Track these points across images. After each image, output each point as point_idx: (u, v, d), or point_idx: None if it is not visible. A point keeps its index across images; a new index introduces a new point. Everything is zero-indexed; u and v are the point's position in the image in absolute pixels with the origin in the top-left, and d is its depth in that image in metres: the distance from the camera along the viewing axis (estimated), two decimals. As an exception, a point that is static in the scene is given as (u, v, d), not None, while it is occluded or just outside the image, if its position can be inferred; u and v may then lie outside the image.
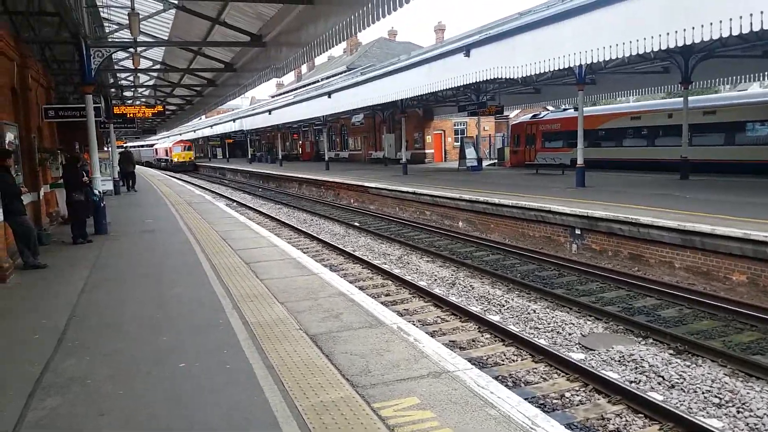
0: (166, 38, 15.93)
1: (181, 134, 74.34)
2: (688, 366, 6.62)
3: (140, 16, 11.30)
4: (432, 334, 7.58)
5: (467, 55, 16.58)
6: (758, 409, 5.48)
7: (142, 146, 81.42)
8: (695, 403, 5.77)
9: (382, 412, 3.83)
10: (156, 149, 72.94)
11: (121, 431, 3.82)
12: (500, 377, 6.45)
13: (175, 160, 59.34)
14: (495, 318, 8.65)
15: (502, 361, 7.14)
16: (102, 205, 12.51)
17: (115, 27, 14.27)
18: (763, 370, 6.40)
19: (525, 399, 4.18)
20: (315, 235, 16.49)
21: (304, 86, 51.44)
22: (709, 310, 8.66)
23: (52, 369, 4.94)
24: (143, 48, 15.32)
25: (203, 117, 55.68)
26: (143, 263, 9.54)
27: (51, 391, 4.48)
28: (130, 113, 18.92)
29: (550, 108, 36.33)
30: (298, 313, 6.22)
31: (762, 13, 8.48)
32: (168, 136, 76.95)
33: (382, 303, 7.06)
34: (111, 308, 6.80)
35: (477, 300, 9.82)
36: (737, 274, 9.60)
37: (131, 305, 6.89)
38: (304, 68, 69.14)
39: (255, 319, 6.08)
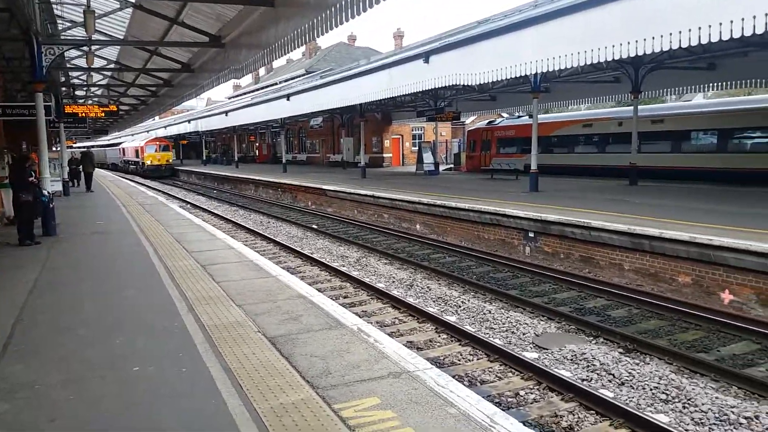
0: (122, 37, 15.54)
1: (148, 131, 63.16)
2: (637, 364, 6.85)
3: (96, 14, 11.01)
4: (390, 335, 7.62)
5: (426, 61, 16.74)
6: (703, 404, 5.73)
7: (107, 146, 70.95)
8: (644, 399, 5.98)
9: (343, 413, 3.84)
10: (123, 149, 58.85)
11: (73, 437, 3.73)
12: (457, 376, 6.54)
13: (148, 162, 47.06)
14: (452, 318, 8.77)
15: (459, 360, 7.25)
16: (51, 205, 12.12)
17: (69, 24, 13.84)
18: (707, 367, 6.69)
19: (482, 398, 4.26)
20: (272, 237, 16.36)
21: (262, 88, 50.90)
22: (657, 310, 8.99)
23: (-3, 374, 4.77)
24: (98, 47, 14.91)
25: (157, 117, 54.45)
26: (94, 266, 9.29)
27: (-3, 396, 4.33)
28: (81, 112, 18.38)
29: (505, 115, 37.03)
30: (257, 316, 6.17)
31: (710, 27, 8.87)
32: (136, 133, 65.02)
33: (341, 305, 7.05)
34: (61, 312, 6.59)
35: (434, 301, 9.93)
36: (683, 275, 9.99)
37: (82, 308, 6.70)
38: (262, 71, 68.52)
39: (212, 321, 6.01)
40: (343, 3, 8.27)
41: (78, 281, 8.21)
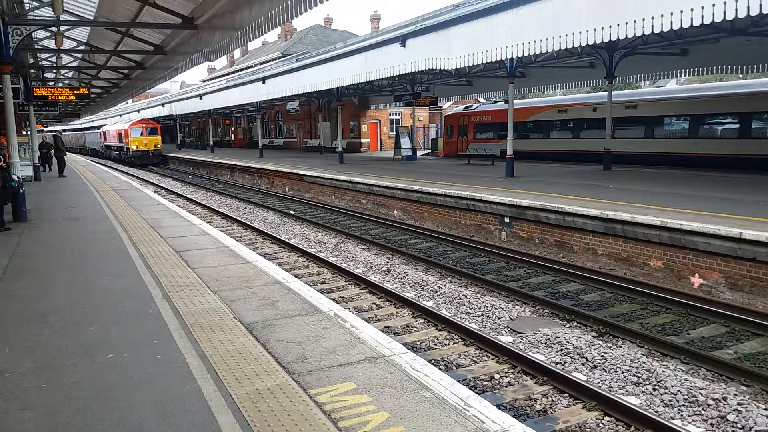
0: (92, 18, 15.15)
1: (122, 114, 59.88)
2: (609, 347, 7.00)
3: (63, -7, 10.73)
4: (368, 321, 7.65)
5: (403, 45, 16.68)
6: (672, 386, 5.87)
7: (86, 130, 65.20)
8: (615, 382, 6.12)
9: (319, 398, 3.86)
10: (104, 133, 52.43)
11: (44, 426, 3.68)
12: (433, 361, 6.60)
13: (134, 148, 41.49)
14: (428, 303, 8.84)
15: (435, 345, 7.32)
16: (21, 191, 11.86)
17: (36, 4, 13.44)
18: (677, 350, 6.85)
19: (457, 381, 4.31)
20: (249, 223, 16.25)
21: (237, 71, 50.27)
22: (629, 294, 9.16)
23: (-33, 363, 4.69)
24: (67, 27, 14.51)
25: (130, 101, 53.39)
26: (67, 252, 9.13)
27: (-33, 385, 4.26)
28: (51, 95, 17.94)
29: (482, 100, 37.10)
30: (233, 302, 6.15)
31: (681, 12, 8.97)
32: (113, 116, 60.78)
33: (318, 291, 7.05)
34: (32, 299, 6.48)
35: (411, 286, 9.99)
36: (654, 259, 10.18)
37: (54, 295, 6.60)
38: (236, 53, 67.63)
39: (186, 308, 5.96)
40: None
41: (50, 268, 8.07)
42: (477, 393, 5.52)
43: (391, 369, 4.31)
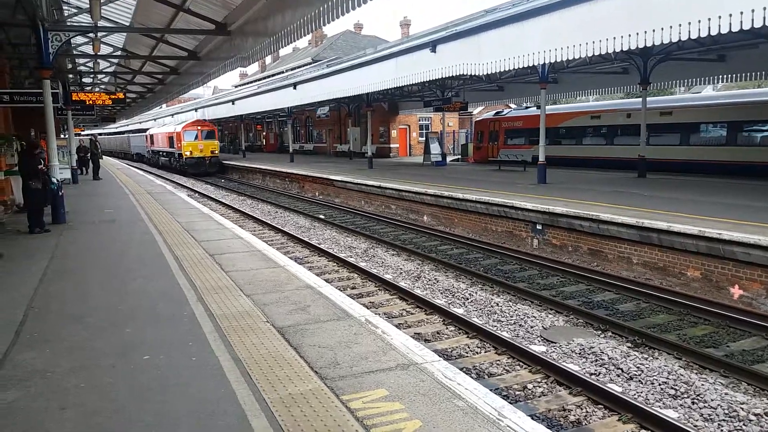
0: (128, 24, 15.49)
1: (156, 119, 56.12)
2: (646, 358, 6.84)
3: (102, 0, 10.97)
4: (398, 327, 7.62)
5: (433, 50, 16.65)
6: (712, 400, 5.71)
7: (130, 133, 60.15)
8: (652, 394, 5.97)
9: (351, 404, 3.85)
10: (150, 137, 46.51)
11: (82, 425, 3.74)
12: (464, 369, 6.54)
13: (187, 153, 35.41)
14: (459, 311, 8.76)
15: (466, 353, 7.25)
16: (60, 193, 12.16)
17: (75, 11, 13.80)
18: (716, 363, 6.66)
19: (489, 390, 4.26)
20: (280, 227, 16.38)
21: (269, 77, 50.82)
22: (665, 305, 8.95)
23: (9, 362, 4.81)
24: (104, 33, 14.87)
25: (164, 106, 54.42)
26: (104, 254, 9.33)
27: (9, 384, 4.36)
28: (89, 100, 18.37)
29: (513, 105, 36.82)
30: (265, 306, 6.19)
31: (720, 18, 8.76)
32: (167, 115, 54.83)
33: (348, 296, 7.05)
34: (71, 300, 6.63)
35: (441, 293, 9.93)
36: (692, 269, 9.94)
37: (92, 297, 6.74)
38: (268, 59, 68.36)
39: (220, 311, 6.03)
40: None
41: (87, 269, 8.25)
42: (510, 403, 5.46)
43: (423, 377, 4.27)
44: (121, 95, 19.09)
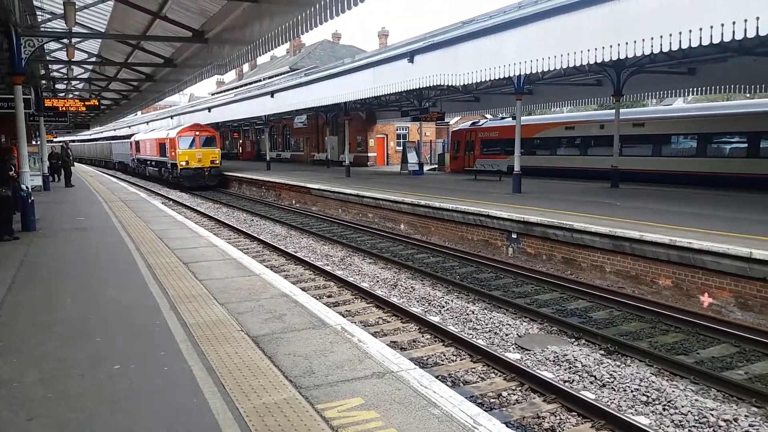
0: (104, 30, 15.32)
1: (130, 126, 52.54)
2: (618, 366, 6.92)
3: (76, 6, 10.84)
4: (374, 335, 7.61)
5: (411, 61, 16.78)
6: (683, 406, 5.79)
7: (113, 139, 55.70)
8: (624, 401, 6.04)
9: (327, 413, 3.83)
10: (136, 143, 41.30)
11: (51, 437, 3.66)
12: (440, 377, 6.55)
13: (183, 163, 30.20)
14: (435, 319, 8.79)
15: (442, 361, 7.27)
16: (30, 200, 11.92)
17: (49, 16, 13.60)
18: (687, 370, 6.78)
19: (465, 398, 4.27)
20: (255, 235, 16.26)
21: (246, 85, 50.62)
22: (637, 312, 9.08)
23: (-25, 372, 4.68)
24: (79, 39, 14.67)
25: (139, 113, 53.78)
26: (75, 262, 9.15)
27: (-26, 395, 4.25)
28: (62, 106, 18.12)
29: (489, 116, 37.20)
30: (240, 315, 6.13)
31: (690, 32, 8.99)
32: (155, 119, 50.65)
33: (325, 304, 7.03)
34: (40, 309, 6.49)
35: (418, 301, 9.94)
36: (663, 278, 10.11)
37: (62, 306, 6.60)
38: (245, 67, 68.13)
39: (194, 320, 5.95)
40: (328, 0, 8.24)
41: (58, 278, 8.08)
42: (485, 410, 5.48)
43: (399, 385, 4.27)
44: (95, 102, 18.92)
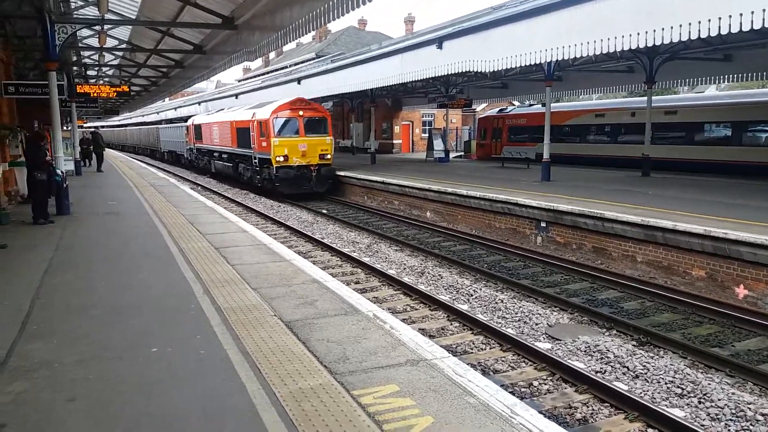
0: (134, 17, 15.45)
1: (158, 112, 49.11)
2: (651, 357, 6.82)
3: (109, -7, 10.97)
4: (402, 322, 7.62)
5: (440, 47, 16.60)
6: (719, 399, 5.69)
7: (161, 123, 47.82)
8: (658, 393, 5.96)
9: (362, 399, 3.84)
10: (196, 127, 31.45)
11: (91, 418, 3.73)
12: (470, 365, 6.50)
13: (280, 159, 20.58)
14: (464, 307, 8.76)
15: (471, 349, 7.25)
16: (65, 185, 12.16)
17: (81, 3, 13.76)
18: (722, 362, 6.65)
19: (500, 388, 4.24)
20: (283, 221, 16.36)
21: (272, 71, 50.74)
22: (670, 303, 8.95)
23: (16, 353, 4.79)
24: (110, 26, 14.83)
25: (167, 99, 54.30)
26: (108, 246, 9.31)
27: (16, 375, 4.35)
28: (93, 92, 18.38)
29: (516, 103, 36.74)
30: (272, 300, 6.17)
31: (730, 17, 8.71)
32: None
33: (355, 291, 7.04)
34: (77, 291, 6.62)
35: (446, 289, 9.92)
36: (697, 269, 9.92)
37: (98, 288, 6.73)
38: (272, 54, 68.22)
39: (227, 304, 6.01)
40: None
41: (93, 261, 8.23)
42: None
43: (433, 373, 4.26)
44: (125, 88, 19.10)
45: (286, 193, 20.99)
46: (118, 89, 18.94)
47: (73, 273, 7.51)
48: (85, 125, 46.02)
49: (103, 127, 64.20)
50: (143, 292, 6.55)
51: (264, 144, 20.93)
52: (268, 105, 22.42)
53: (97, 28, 14.15)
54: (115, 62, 23.14)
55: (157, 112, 56.63)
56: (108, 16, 13.26)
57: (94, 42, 16.86)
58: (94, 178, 22.39)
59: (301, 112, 21.02)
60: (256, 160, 22.02)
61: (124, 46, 18.92)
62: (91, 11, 14.32)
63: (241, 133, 23.37)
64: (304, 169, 20.87)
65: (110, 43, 17.44)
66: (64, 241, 9.65)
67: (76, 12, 13.92)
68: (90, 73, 25.73)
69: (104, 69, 24.67)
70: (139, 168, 29.76)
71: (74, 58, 20.37)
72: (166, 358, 4.67)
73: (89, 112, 38.22)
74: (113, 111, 46.85)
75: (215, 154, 28.35)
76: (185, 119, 37.64)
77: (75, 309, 5.98)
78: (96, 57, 19.99)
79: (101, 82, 27.35)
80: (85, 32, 16.34)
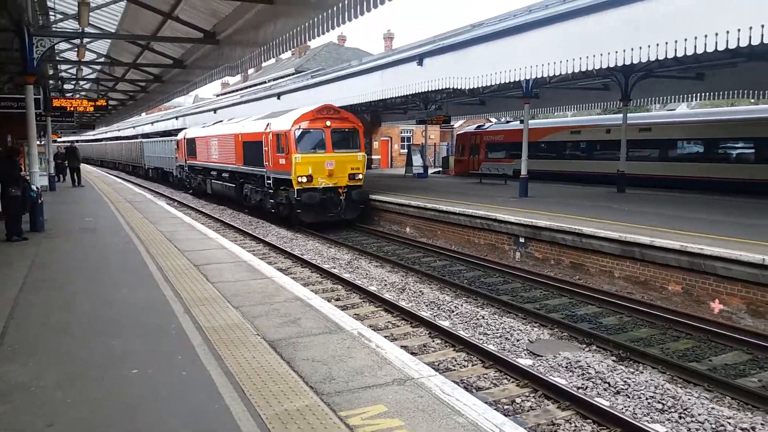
0: (114, 31, 15.33)
1: (134, 126, 47.84)
2: (632, 372, 6.89)
3: (90, 7, 10.86)
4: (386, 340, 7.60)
5: (420, 64, 16.74)
6: (699, 414, 5.77)
7: (146, 137, 45.22)
8: (640, 408, 6.02)
9: (350, 420, 3.81)
10: (189, 142, 28.02)
11: (72, 441, 3.65)
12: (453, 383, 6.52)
13: (302, 180, 16.90)
14: (445, 323, 8.77)
15: (454, 366, 7.25)
16: (39, 201, 11.93)
17: (61, 16, 13.62)
18: (700, 377, 6.75)
19: (489, 407, 4.24)
20: (262, 237, 16.25)
21: (251, 86, 50.60)
22: (648, 318, 9.07)
23: (-8, 375, 4.67)
24: (90, 40, 14.69)
25: (144, 113, 53.72)
26: (85, 263, 9.15)
27: (-7, 398, 4.24)
28: (70, 106, 18.13)
29: (493, 120, 37.16)
30: (254, 318, 6.12)
31: (706, 36, 8.95)
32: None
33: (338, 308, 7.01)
34: (54, 310, 6.48)
35: (427, 305, 9.93)
36: (673, 284, 10.08)
37: (76, 308, 6.60)
38: (250, 69, 68.10)
39: (209, 323, 5.94)
40: (345, 3, 8.23)
41: (69, 279, 8.08)
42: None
43: (421, 392, 4.25)
44: (103, 102, 18.91)
45: (308, 222, 17.50)
46: (95, 103, 18.72)
47: (49, 291, 7.36)
48: (59, 139, 45.20)
49: (79, 141, 63.01)
50: (122, 311, 6.44)
51: (282, 161, 17.37)
52: (286, 114, 18.55)
53: (77, 41, 14.00)
54: (93, 76, 22.90)
55: (133, 127, 55.82)
56: (88, 29, 13.13)
57: (71, 55, 16.67)
58: (68, 193, 22.02)
59: (328, 122, 17.48)
60: (270, 181, 18.47)
61: (102, 59, 18.74)
62: (70, 24, 14.18)
63: (250, 148, 20.03)
64: (331, 192, 17.49)
65: (88, 56, 17.27)
66: (40, 258, 9.46)
67: (55, 25, 13.77)
68: (66, 86, 25.41)
69: (81, 83, 24.38)
70: (114, 183, 29.36)
71: (51, 72, 20.11)
72: (148, 379, 4.59)
73: (64, 126, 37.60)
74: (89, 125, 46.15)
75: (213, 173, 24.87)
76: (175, 132, 34.22)
77: (54, 328, 5.85)
78: (73, 71, 19.76)
79: (78, 95, 27.01)
80: (63, 45, 16.15)
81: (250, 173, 20.40)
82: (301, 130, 17.03)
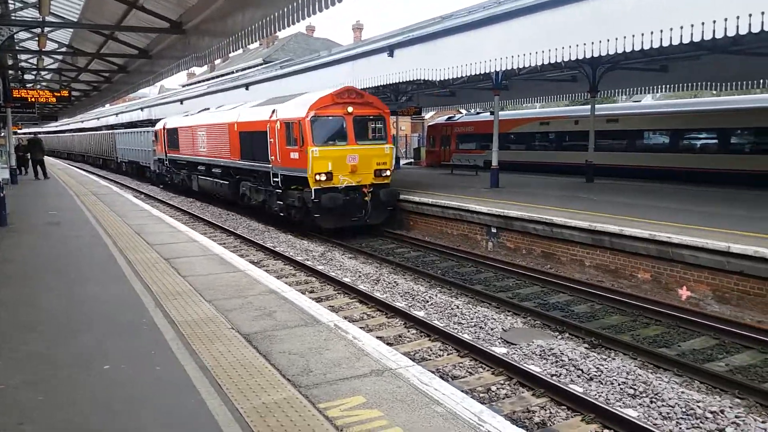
0: (76, 20, 14.89)
1: (99, 118, 46.64)
2: (604, 359, 7.02)
3: (50, -6, 10.54)
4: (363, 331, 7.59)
5: (391, 55, 16.69)
6: (669, 398, 5.90)
7: (120, 128, 41.42)
8: (612, 394, 6.13)
9: (329, 412, 3.79)
10: (167, 132, 25.22)
11: (43, 441, 3.56)
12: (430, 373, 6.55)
13: (321, 178, 14.09)
14: (420, 314, 8.80)
15: (429, 356, 7.28)
16: (1, 194, 11.57)
17: (20, 5, 13.17)
18: (670, 362, 6.91)
19: (467, 395, 4.26)
20: (232, 230, 16.06)
21: (218, 77, 49.84)
22: (618, 306, 9.23)
23: (-43, 375, 4.52)
24: (51, 29, 14.24)
25: (108, 105, 52.46)
26: (52, 258, 8.91)
27: (-42, 399, 4.10)
28: (31, 97, 17.60)
29: (463, 111, 37.35)
30: (228, 312, 6.04)
31: (672, 30, 9.12)
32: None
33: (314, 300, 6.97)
34: (20, 307, 6.30)
35: (401, 296, 9.95)
36: (642, 272, 10.29)
37: (43, 304, 6.42)
38: (217, 59, 67.06)
39: (181, 317, 5.85)
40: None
41: (36, 274, 7.86)
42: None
43: (399, 383, 4.25)
44: (65, 93, 18.39)
45: (327, 228, 14.84)
46: (57, 94, 18.19)
47: (15, 288, 7.15)
48: (20, 131, 43.83)
49: (43, 132, 61.26)
50: (92, 307, 6.30)
51: (294, 155, 14.56)
52: (297, 98, 15.78)
53: (37, 30, 13.56)
54: (55, 66, 22.26)
55: (98, 118, 54.41)
56: (49, 18, 12.73)
57: (32, 45, 16.16)
58: (32, 186, 21.42)
59: (349, 108, 14.66)
60: (278, 179, 15.54)
61: (64, 49, 18.21)
62: (30, 13, 13.72)
63: (249, 139, 17.11)
64: (355, 192, 14.80)
65: (50, 46, 16.76)
66: (3, 253, 9.18)
67: (14, 14, 13.31)
68: (27, 77, 24.66)
69: (43, 73, 23.68)
70: (79, 176, 28.66)
71: (11, 62, 19.48)
72: (121, 375, 4.49)
73: (24, 118, 36.49)
74: (51, 116, 44.88)
75: (200, 168, 21.84)
76: (153, 123, 31.22)
77: (20, 326, 5.69)
78: (34, 60, 19.17)
79: (39, 86, 26.24)
80: (23, 35, 15.65)
81: (249, 169, 17.54)
82: (317, 119, 14.27)
